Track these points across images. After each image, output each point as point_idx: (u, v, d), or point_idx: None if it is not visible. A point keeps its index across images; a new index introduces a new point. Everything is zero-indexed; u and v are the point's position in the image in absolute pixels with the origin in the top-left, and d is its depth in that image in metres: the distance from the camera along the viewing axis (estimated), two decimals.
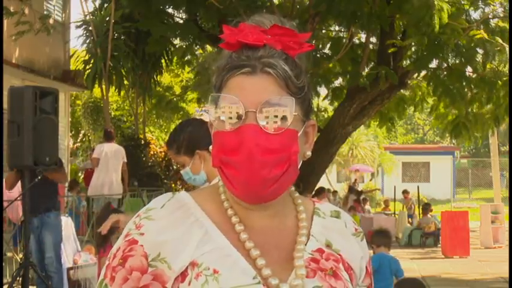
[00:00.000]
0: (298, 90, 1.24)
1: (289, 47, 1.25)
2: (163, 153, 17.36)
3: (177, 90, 19.59)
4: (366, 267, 1.37)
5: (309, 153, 1.31)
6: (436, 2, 9.29)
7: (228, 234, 1.25)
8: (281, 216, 1.30)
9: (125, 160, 11.34)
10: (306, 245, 1.28)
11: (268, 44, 1.24)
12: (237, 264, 1.21)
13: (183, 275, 1.22)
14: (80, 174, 18.74)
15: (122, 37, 14.16)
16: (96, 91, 17.94)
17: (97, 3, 14.73)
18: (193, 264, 1.21)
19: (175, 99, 18.79)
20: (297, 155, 1.23)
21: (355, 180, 24.92)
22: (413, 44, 11.11)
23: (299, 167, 1.28)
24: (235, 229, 1.26)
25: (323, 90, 14.52)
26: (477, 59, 11.49)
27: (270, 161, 1.20)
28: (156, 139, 20.00)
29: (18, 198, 7.46)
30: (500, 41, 10.22)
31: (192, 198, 1.30)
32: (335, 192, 21.12)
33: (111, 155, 11.23)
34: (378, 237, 7.01)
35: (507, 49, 10.26)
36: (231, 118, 1.21)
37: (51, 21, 13.16)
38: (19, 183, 6.83)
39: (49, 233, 7.07)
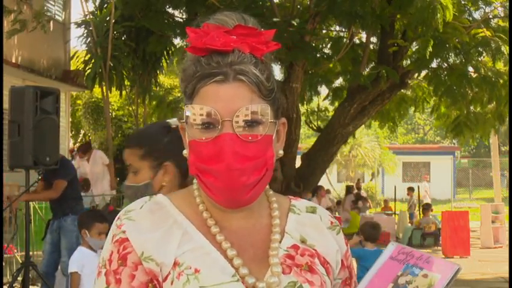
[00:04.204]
0: (269, 93, 1.27)
1: (256, 48, 1.26)
2: None
3: (176, 93, 19.57)
4: (342, 260, 1.38)
5: (281, 151, 1.34)
6: (439, 2, 9.29)
7: (206, 235, 1.28)
8: (256, 215, 1.33)
9: None
10: (280, 242, 1.31)
11: (237, 48, 1.24)
12: (216, 263, 1.24)
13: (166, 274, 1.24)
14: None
15: (123, 37, 14.15)
16: (97, 91, 17.94)
17: (97, 3, 14.72)
18: (175, 263, 1.23)
19: (178, 98, 18.77)
20: (272, 159, 1.27)
21: (358, 180, 24.79)
22: (417, 45, 11.11)
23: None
24: (211, 231, 1.28)
25: (323, 90, 14.53)
26: (480, 58, 11.49)
27: (248, 168, 1.22)
28: None
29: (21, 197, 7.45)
30: (504, 37, 10.24)
31: (170, 201, 1.32)
32: (328, 190, 20.99)
33: None
34: (364, 229, 7.02)
35: (507, 47, 10.26)
36: (207, 128, 1.22)
37: (48, 19, 13.14)
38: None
39: (64, 238, 7.06)
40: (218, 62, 1.23)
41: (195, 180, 1.33)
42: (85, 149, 12.27)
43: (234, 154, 1.21)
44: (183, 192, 1.36)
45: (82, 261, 5.00)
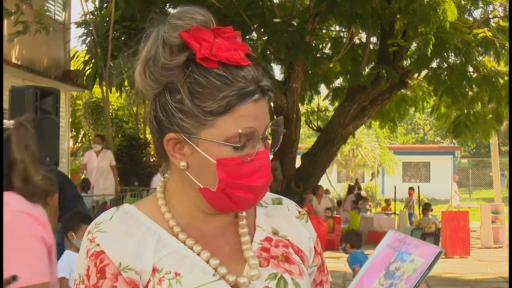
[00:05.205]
0: None
1: (247, 55, 1.24)
2: None
3: None
4: (315, 247, 1.39)
5: None
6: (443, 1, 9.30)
7: (179, 240, 1.27)
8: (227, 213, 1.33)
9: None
10: (253, 236, 1.32)
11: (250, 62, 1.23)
12: (195, 264, 1.23)
13: (146, 281, 1.22)
14: (81, 174, 18.74)
15: (123, 37, 14.15)
16: (97, 91, 17.95)
17: (97, 3, 14.73)
18: (154, 269, 1.22)
19: None
20: None
21: (356, 180, 24.82)
22: (418, 43, 11.11)
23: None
24: (179, 238, 1.26)
25: (323, 90, 14.53)
26: (479, 58, 11.50)
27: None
28: None
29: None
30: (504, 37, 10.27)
31: (138, 209, 1.30)
32: (327, 190, 21.02)
33: None
34: (350, 237, 7.38)
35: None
36: (243, 146, 1.21)
37: (48, 20, 13.13)
38: None
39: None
40: (244, 78, 1.20)
41: (159, 188, 1.32)
42: (101, 138, 12.56)
43: (269, 168, 1.25)
44: (148, 201, 1.34)
45: (70, 265, 4.84)
